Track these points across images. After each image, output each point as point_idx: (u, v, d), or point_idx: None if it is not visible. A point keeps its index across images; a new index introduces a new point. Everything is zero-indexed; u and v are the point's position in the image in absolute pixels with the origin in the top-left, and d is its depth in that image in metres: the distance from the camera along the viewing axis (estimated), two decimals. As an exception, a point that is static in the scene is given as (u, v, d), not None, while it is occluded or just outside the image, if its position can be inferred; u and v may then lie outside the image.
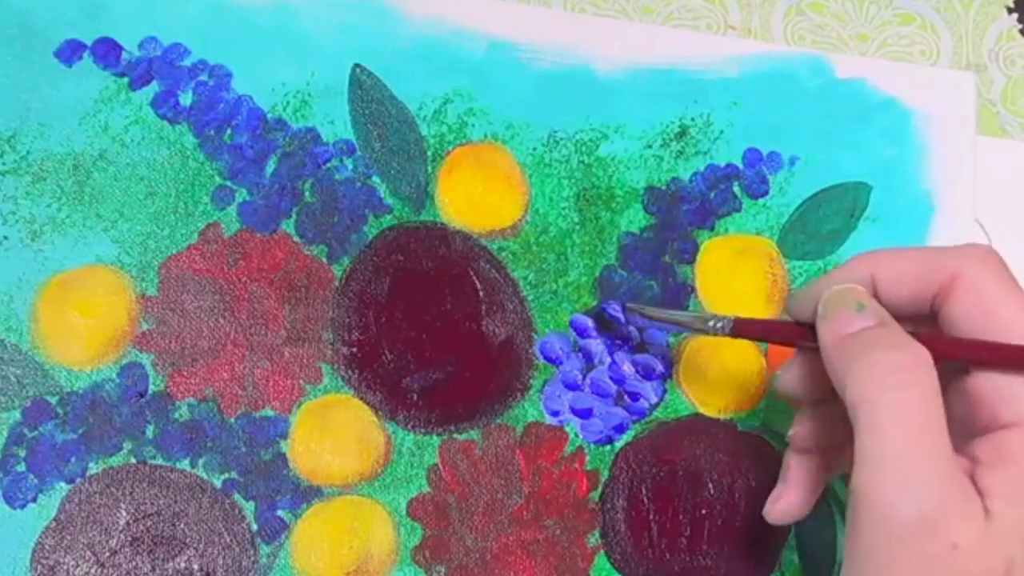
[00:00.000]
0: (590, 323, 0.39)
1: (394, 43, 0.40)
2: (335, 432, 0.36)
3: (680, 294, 0.40)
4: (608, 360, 0.39)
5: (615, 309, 0.38)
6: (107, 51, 0.38)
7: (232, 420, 0.36)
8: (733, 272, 0.41)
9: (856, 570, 0.29)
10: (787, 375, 0.34)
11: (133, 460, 0.35)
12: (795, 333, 0.32)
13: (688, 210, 0.41)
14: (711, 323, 0.34)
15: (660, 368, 0.39)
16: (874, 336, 0.29)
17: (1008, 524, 0.27)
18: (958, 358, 0.30)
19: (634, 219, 0.41)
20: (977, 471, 0.28)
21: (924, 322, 0.31)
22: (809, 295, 0.32)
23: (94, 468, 0.35)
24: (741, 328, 0.34)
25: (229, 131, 0.38)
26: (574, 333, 0.39)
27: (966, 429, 0.29)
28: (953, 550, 0.27)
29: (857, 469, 0.28)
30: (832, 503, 0.40)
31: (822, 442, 0.33)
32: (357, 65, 0.39)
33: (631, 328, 0.39)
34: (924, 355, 0.28)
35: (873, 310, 0.30)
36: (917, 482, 0.27)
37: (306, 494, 0.36)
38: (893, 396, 0.28)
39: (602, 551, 0.38)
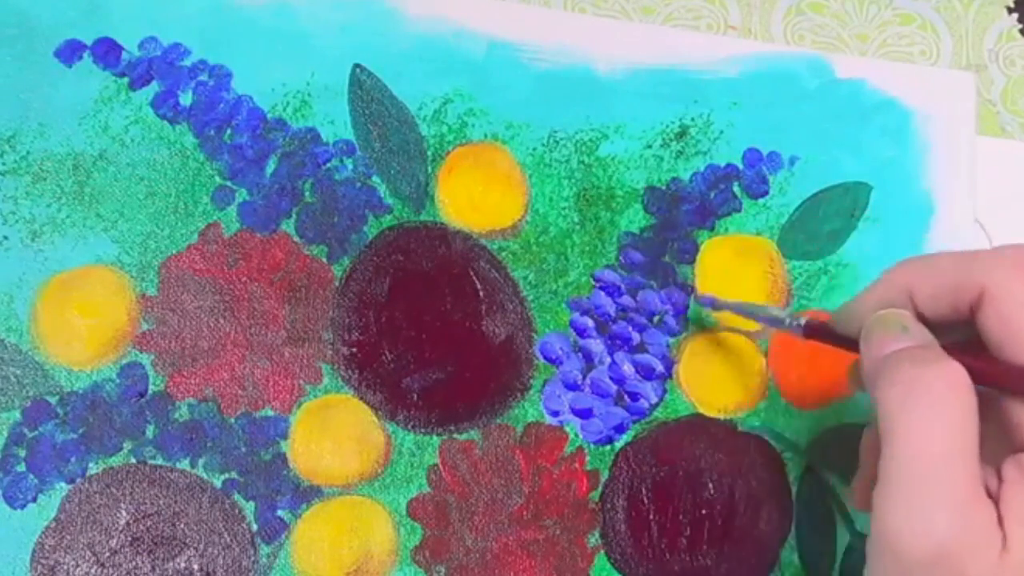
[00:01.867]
0: (590, 323, 0.39)
1: (394, 43, 0.40)
2: (335, 432, 0.36)
3: (680, 294, 0.40)
4: (608, 360, 0.39)
5: (704, 299, 0.39)
6: (107, 51, 0.38)
7: (232, 420, 0.36)
8: (733, 272, 0.41)
9: None
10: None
11: (133, 460, 0.35)
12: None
13: (688, 210, 0.41)
14: (788, 321, 0.34)
15: (660, 368, 0.39)
16: (911, 353, 0.28)
17: (1022, 551, 0.26)
18: (990, 383, 0.28)
19: (634, 219, 0.41)
20: (1002, 493, 0.27)
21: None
22: (852, 312, 0.31)
23: (94, 468, 0.35)
24: (811, 331, 0.34)
25: (229, 131, 0.38)
26: (574, 333, 0.39)
27: (1001, 446, 0.28)
28: None
29: (877, 489, 0.27)
30: (832, 503, 0.40)
31: None
32: (357, 65, 0.39)
33: (705, 304, 0.40)
34: (960, 375, 0.27)
35: (917, 332, 0.29)
36: (930, 513, 0.26)
37: (306, 494, 0.36)
38: (920, 417, 0.26)
39: (602, 551, 0.38)
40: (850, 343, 0.32)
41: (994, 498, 0.27)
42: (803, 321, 0.34)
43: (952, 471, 0.26)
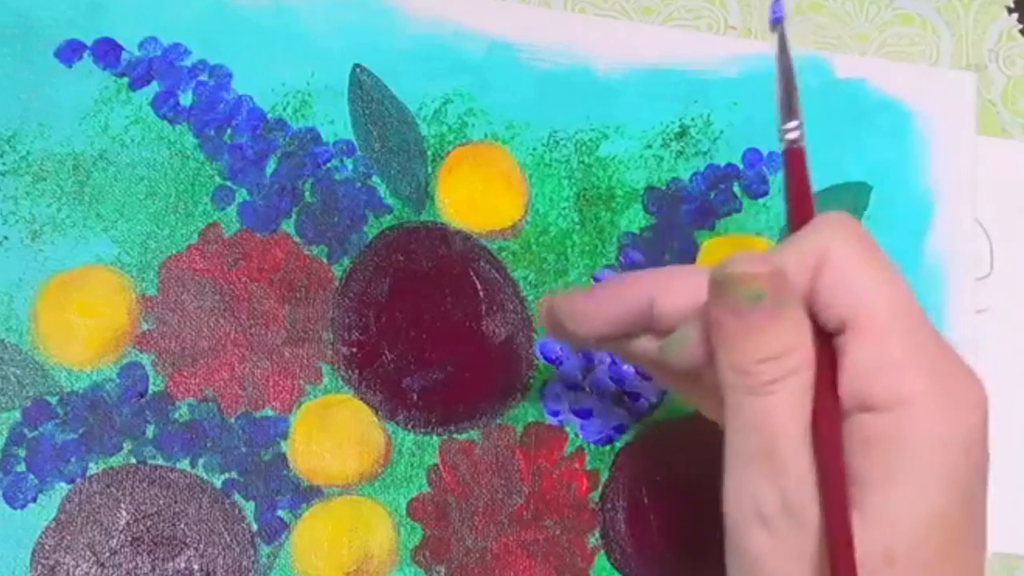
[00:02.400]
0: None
1: (394, 43, 0.40)
2: (335, 432, 0.36)
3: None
4: (608, 360, 0.39)
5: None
6: (107, 51, 0.38)
7: (232, 420, 0.36)
8: (733, 272, 0.41)
9: (737, 563, 0.28)
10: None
11: (133, 460, 0.35)
12: None
13: (688, 210, 0.41)
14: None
15: (660, 368, 0.39)
16: (757, 341, 0.27)
17: (884, 515, 0.26)
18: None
19: (634, 219, 0.41)
20: (849, 460, 0.27)
21: None
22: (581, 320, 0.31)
23: (94, 468, 0.35)
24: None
25: (229, 131, 0.38)
26: (574, 333, 0.39)
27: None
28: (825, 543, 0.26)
29: (727, 463, 0.28)
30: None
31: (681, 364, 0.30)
32: (357, 65, 0.39)
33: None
34: (802, 358, 0.26)
35: (771, 298, 0.27)
36: (779, 480, 0.26)
37: (306, 494, 0.36)
38: (761, 402, 0.26)
39: (602, 551, 0.38)
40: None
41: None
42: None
43: (802, 451, 0.26)
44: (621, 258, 0.40)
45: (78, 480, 0.34)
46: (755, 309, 0.26)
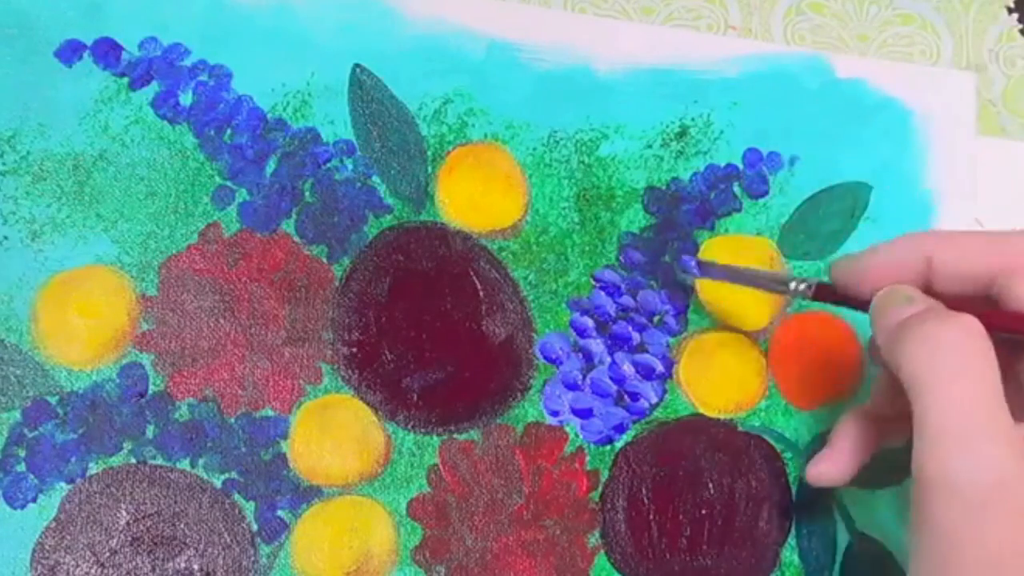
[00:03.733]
0: (590, 323, 0.39)
1: (394, 43, 0.40)
2: (335, 432, 0.36)
3: (680, 294, 0.40)
4: (608, 360, 0.39)
5: (687, 262, 0.39)
6: (107, 51, 0.38)
7: (232, 420, 0.36)
8: (733, 272, 0.41)
9: (929, 546, 0.28)
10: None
11: (133, 460, 0.35)
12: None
13: (688, 210, 0.41)
14: (793, 285, 0.35)
15: (660, 368, 0.39)
16: (924, 315, 0.29)
17: None
18: (1009, 329, 0.30)
19: (634, 219, 0.41)
20: None
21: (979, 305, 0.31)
22: (853, 269, 0.33)
23: (94, 468, 0.35)
24: (821, 293, 0.35)
25: (229, 131, 0.38)
26: (574, 333, 0.39)
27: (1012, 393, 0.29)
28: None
29: (918, 446, 0.28)
30: (832, 503, 0.40)
31: (891, 411, 0.34)
32: (357, 65, 0.39)
33: (692, 277, 0.39)
34: (975, 326, 0.28)
35: (922, 300, 0.30)
36: (982, 449, 0.27)
37: (306, 494, 0.36)
38: (947, 369, 0.28)
39: (602, 551, 0.38)
40: (859, 302, 0.33)
41: None
42: (813, 283, 0.35)
43: (992, 412, 0.27)
44: (621, 258, 0.40)
45: (78, 480, 0.34)
46: (910, 306, 0.30)
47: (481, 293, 0.39)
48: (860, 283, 0.33)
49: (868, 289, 0.32)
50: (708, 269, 0.38)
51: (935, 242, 0.32)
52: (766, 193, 0.42)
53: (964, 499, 0.27)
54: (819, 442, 0.40)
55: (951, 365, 0.28)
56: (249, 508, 0.35)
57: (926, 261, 0.31)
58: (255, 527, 0.35)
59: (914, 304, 0.30)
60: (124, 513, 0.34)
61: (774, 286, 0.37)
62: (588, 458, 0.38)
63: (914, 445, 0.28)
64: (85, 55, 0.38)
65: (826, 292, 0.35)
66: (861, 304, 0.33)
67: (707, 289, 0.40)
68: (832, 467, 0.35)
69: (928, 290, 0.32)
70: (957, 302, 0.31)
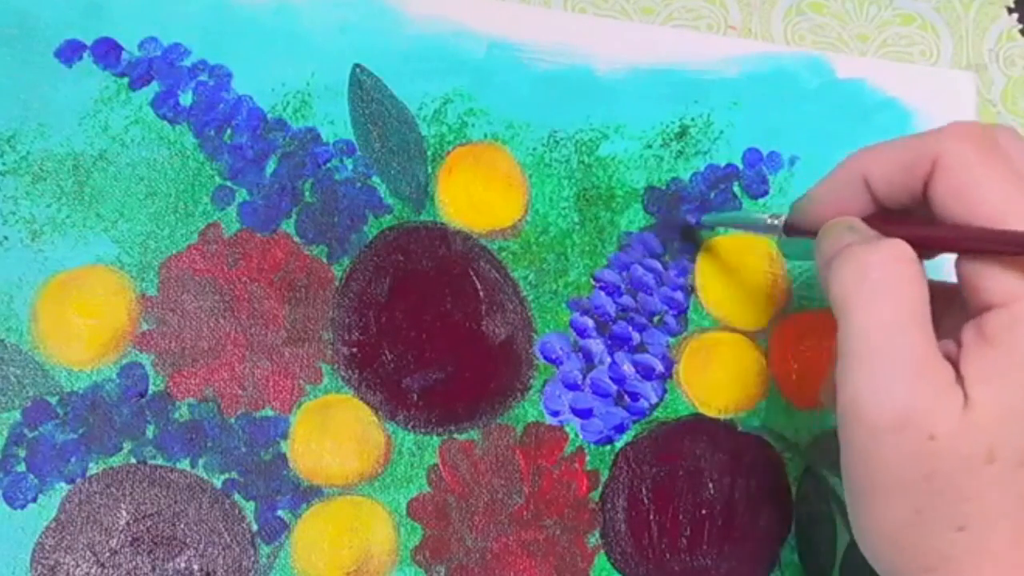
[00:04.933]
0: (590, 323, 0.39)
1: (394, 43, 0.40)
2: (335, 432, 0.36)
3: (680, 294, 0.40)
4: (608, 360, 0.39)
5: (691, 217, 0.40)
6: (107, 51, 0.38)
7: (232, 420, 0.36)
8: (733, 272, 0.41)
9: (845, 462, 0.29)
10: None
11: (133, 460, 0.35)
12: None
13: (688, 210, 0.41)
14: (768, 220, 0.36)
15: (660, 368, 0.39)
16: (854, 250, 0.29)
17: (987, 408, 0.27)
18: (937, 247, 0.29)
19: (634, 219, 0.41)
20: (961, 356, 0.28)
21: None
22: (810, 203, 0.33)
23: (94, 468, 0.35)
24: (792, 228, 0.35)
25: (229, 131, 0.38)
26: (574, 333, 0.39)
27: (955, 323, 0.29)
28: (930, 441, 0.27)
29: (837, 369, 0.28)
30: (832, 503, 0.40)
31: None
32: (357, 65, 0.39)
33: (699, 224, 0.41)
34: (902, 249, 0.28)
35: (862, 229, 0.30)
36: (889, 379, 0.27)
37: (306, 494, 0.36)
38: (868, 292, 0.28)
39: (602, 551, 0.38)
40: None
41: (955, 363, 0.28)
42: (783, 218, 0.35)
43: (905, 338, 0.27)
44: (621, 255, 0.40)
45: (78, 480, 0.34)
46: (849, 237, 0.30)
47: (481, 293, 0.39)
48: (812, 218, 0.32)
49: (821, 222, 0.32)
50: (709, 222, 0.40)
51: (866, 160, 0.31)
52: (766, 193, 0.42)
53: (869, 425, 0.27)
54: (819, 442, 0.40)
55: (870, 289, 0.28)
56: (249, 508, 0.35)
57: (863, 182, 0.31)
58: (255, 527, 0.35)
59: (854, 233, 0.30)
60: (124, 513, 0.34)
61: (754, 227, 0.37)
62: (588, 458, 0.38)
63: (836, 366, 0.28)
64: (85, 55, 0.38)
65: (795, 227, 0.35)
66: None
67: (707, 289, 0.40)
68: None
69: (877, 207, 0.31)
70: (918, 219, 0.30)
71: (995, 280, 0.28)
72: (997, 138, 0.29)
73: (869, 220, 0.31)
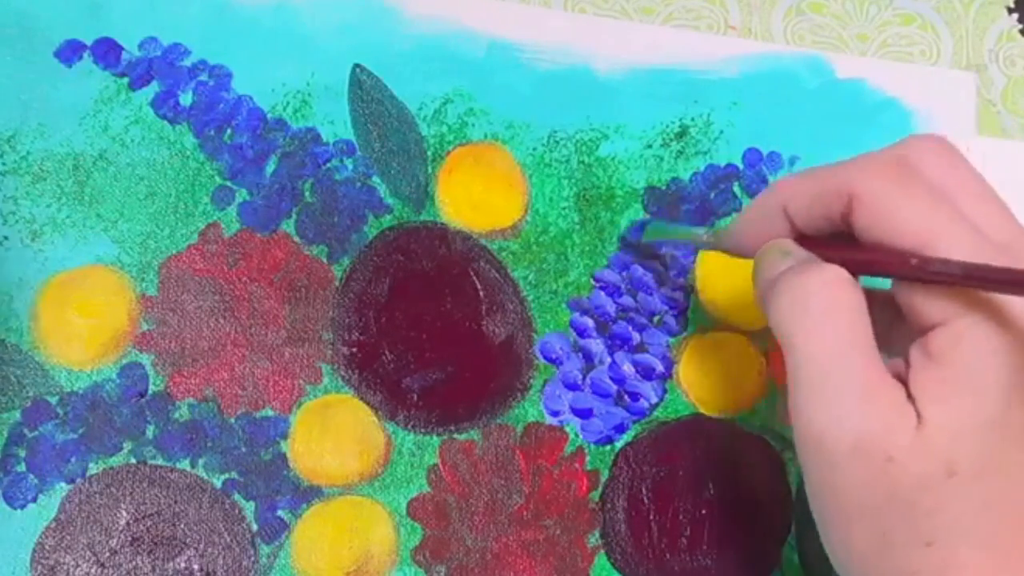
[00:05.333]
0: (590, 323, 0.39)
1: (394, 43, 0.40)
2: (335, 432, 0.36)
3: (680, 294, 0.40)
4: (608, 360, 0.39)
5: (631, 235, 0.40)
6: (107, 51, 0.38)
7: (232, 420, 0.36)
8: (733, 272, 0.41)
9: (809, 491, 0.29)
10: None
11: (133, 460, 0.35)
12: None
13: (688, 210, 0.41)
14: (704, 236, 0.36)
15: (660, 368, 0.39)
16: (794, 269, 0.29)
17: (940, 426, 0.27)
18: (873, 274, 0.29)
19: (634, 219, 0.41)
20: (910, 377, 0.28)
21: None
22: (736, 232, 0.33)
23: (94, 468, 0.35)
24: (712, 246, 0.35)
25: (229, 131, 0.38)
26: (574, 333, 0.39)
27: (902, 337, 0.29)
28: (888, 463, 0.27)
29: (790, 396, 0.28)
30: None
31: None
32: (357, 65, 0.39)
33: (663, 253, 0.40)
34: (838, 273, 0.28)
35: (798, 253, 0.30)
36: (840, 406, 0.27)
37: (306, 494, 0.36)
38: (810, 322, 0.28)
39: (602, 551, 0.38)
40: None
41: (904, 382, 0.28)
42: (709, 237, 0.35)
43: (850, 361, 0.27)
44: (619, 255, 0.40)
45: (78, 480, 0.34)
46: (785, 262, 0.30)
47: (481, 293, 0.39)
48: (739, 244, 0.33)
49: (751, 249, 0.32)
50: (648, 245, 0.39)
51: (784, 192, 0.31)
52: (766, 193, 0.42)
53: (822, 453, 0.28)
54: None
55: (811, 318, 0.28)
56: (249, 508, 0.35)
57: (783, 212, 0.31)
58: (255, 527, 0.35)
59: (789, 258, 0.30)
60: (124, 513, 0.34)
61: (694, 244, 0.37)
62: (588, 458, 0.38)
63: (789, 397, 0.29)
64: (85, 55, 0.38)
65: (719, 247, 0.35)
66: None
67: (707, 289, 0.40)
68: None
69: (800, 235, 0.32)
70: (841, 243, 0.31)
71: (933, 301, 0.28)
72: (909, 159, 0.29)
73: (803, 242, 0.31)
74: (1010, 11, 0.46)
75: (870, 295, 0.29)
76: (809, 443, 0.28)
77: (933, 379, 0.27)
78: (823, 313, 0.28)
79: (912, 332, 0.29)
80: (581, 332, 0.39)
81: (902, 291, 0.29)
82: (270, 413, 0.36)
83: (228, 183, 0.38)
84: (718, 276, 0.41)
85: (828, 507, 0.29)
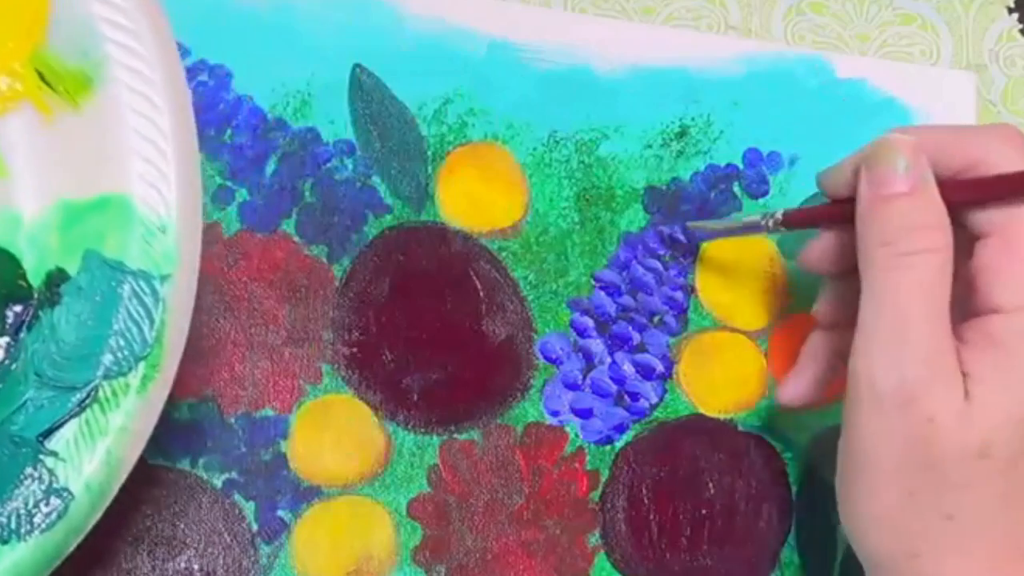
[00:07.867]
0: (590, 323, 0.39)
1: (394, 43, 0.40)
2: (335, 432, 0.36)
3: (680, 294, 0.40)
4: (608, 360, 0.39)
5: (676, 231, 0.40)
6: (107, 51, 0.38)
7: (232, 420, 0.36)
8: (733, 272, 0.41)
9: (847, 437, 0.30)
10: (813, 247, 0.35)
11: (133, 460, 0.35)
12: (839, 213, 0.33)
13: (688, 210, 0.41)
14: (762, 221, 0.36)
15: (660, 368, 0.39)
16: (900, 209, 0.29)
17: (986, 407, 0.28)
18: (975, 200, 0.30)
19: (634, 219, 0.41)
20: (963, 352, 0.29)
21: None
22: (842, 170, 0.32)
23: (94, 468, 0.35)
24: (790, 219, 0.35)
25: (229, 131, 0.38)
26: (574, 333, 0.39)
27: (963, 310, 0.30)
28: (929, 423, 0.28)
29: (858, 331, 0.29)
30: (833, 503, 0.40)
31: (841, 319, 0.34)
32: (357, 65, 0.39)
33: (694, 244, 0.40)
34: (940, 239, 0.28)
35: (915, 171, 0.30)
36: (900, 356, 0.28)
37: (306, 494, 0.36)
38: (898, 276, 0.28)
39: (602, 551, 0.38)
40: (832, 218, 0.33)
41: (956, 356, 0.29)
42: (780, 214, 0.35)
43: (927, 325, 0.28)
44: (619, 255, 0.40)
45: (78, 480, 0.34)
46: (901, 178, 0.29)
47: (481, 293, 0.39)
48: (842, 184, 0.32)
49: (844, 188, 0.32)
50: (692, 233, 0.40)
51: (919, 133, 0.31)
52: (766, 193, 0.42)
53: (871, 401, 0.28)
54: (819, 442, 0.40)
55: (907, 280, 0.28)
56: (249, 508, 0.35)
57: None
58: (255, 527, 0.35)
59: (905, 176, 0.29)
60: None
61: (751, 230, 0.37)
62: (588, 458, 0.38)
63: (857, 331, 0.29)
64: (85, 55, 0.38)
65: (793, 217, 0.35)
66: (830, 222, 0.34)
67: (707, 289, 0.40)
68: (796, 385, 0.36)
69: None
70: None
71: (1010, 286, 0.28)
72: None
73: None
74: (1010, 11, 0.46)
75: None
76: (862, 383, 0.29)
77: (988, 360, 0.28)
78: (918, 280, 0.28)
79: (973, 308, 0.29)
80: (581, 332, 0.39)
81: (984, 262, 0.29)
82: (270, 413, 0.36)
83: (228, 183, 0.38)
84: (718, 276, 0.41)
85: (861, 455, 0.29)
